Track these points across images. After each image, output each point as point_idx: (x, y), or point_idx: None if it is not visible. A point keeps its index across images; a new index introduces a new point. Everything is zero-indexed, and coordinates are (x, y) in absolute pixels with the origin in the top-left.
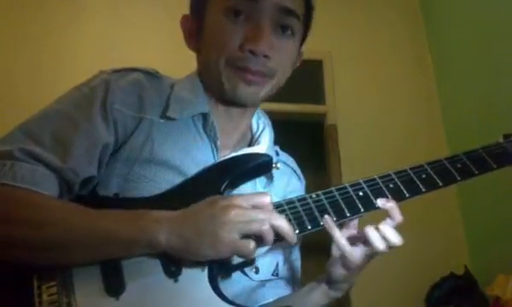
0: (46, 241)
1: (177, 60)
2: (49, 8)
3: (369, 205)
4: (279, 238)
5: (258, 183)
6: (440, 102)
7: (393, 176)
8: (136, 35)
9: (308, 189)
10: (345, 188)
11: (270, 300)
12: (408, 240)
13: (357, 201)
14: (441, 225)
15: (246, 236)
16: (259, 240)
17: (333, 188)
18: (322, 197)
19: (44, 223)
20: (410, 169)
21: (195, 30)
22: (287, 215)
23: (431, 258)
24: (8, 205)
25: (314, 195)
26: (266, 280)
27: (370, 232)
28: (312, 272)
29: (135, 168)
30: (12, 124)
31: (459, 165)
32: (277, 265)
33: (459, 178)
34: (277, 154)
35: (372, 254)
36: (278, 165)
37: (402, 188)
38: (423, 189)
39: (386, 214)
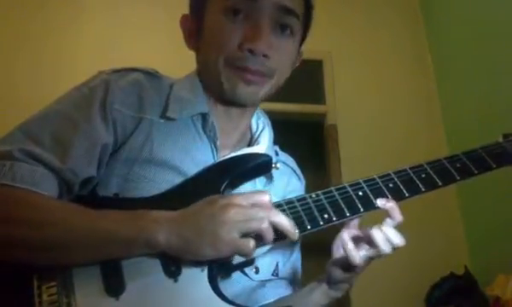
0: (46, 241)
1: (177, 60)
2: (49, 8)
3: (369, 205)
4: (280, 236)
5: (258, 183)
6: (440, 102)
7: (393, 175)
8: (136, 35)
9: (308, 189)
10: (344, 187)
11: (271, 300)
12: (408, 240)
13: (356, 201)
14: (441, 225)
15: (245, 235)
16: (259, 238)
17: (332, 188)
18: (322, 197)
19: (44, 223)
20: (410, 168)
21: (195, 29)
22: (286, 215)
23: (431, 258)
24: (7, 206)
25: (314, 195)
26: (266, 281)
27: (376, 234)
28: (313, 272)
29: (134, 168)
30: (12, 124)
31: (459, 165)
32: (277, 265)
33: (459, 178)
34: (277, 154)
35: (376, 256)
36: (278, 164)
37: (401, 187)
38: (423, 189)
39: (386, 214)
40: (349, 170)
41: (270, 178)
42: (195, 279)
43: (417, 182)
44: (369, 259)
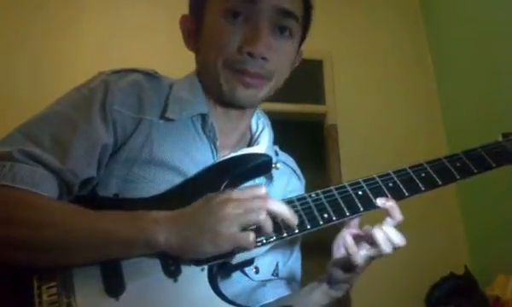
0: (46, 242)
1: (176, 61)
2: (49, 8)
3: (369, 205)
4: (279, 228)
5: (258, 183)
6: (440, 102)
7: (393, 175)
8: (136, 35)
9: (308, 189)
10: (344, 187)
11: (271, 300)
12: (408, 239)
13: (356, 200)
14: (441, 225)
15: (245, 229)
16: (259, 230)
17: (332, 188)
18: (322, 196)
19: (44, 224)
20: (410, 168)
21: (194, 30)
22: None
23: (431, 258)
24: (7, 207)
25: (313, 195)
26: (266, 280)
27: (377, 233)
28: (313, 272)
29: (134, 169)
30: (12, 124)
31: (458, 164)
32: (277, 265)
33: (458, 177)
34: (277, 154)
35: (377, 256)
36: (278, 165)
37: (401, 187)
38: (423, 188)
39: (385, 213)
40: (349, 170)
41: (269, 178)
42: (195, 279)
43: (417, 181)
44: (370, 259)
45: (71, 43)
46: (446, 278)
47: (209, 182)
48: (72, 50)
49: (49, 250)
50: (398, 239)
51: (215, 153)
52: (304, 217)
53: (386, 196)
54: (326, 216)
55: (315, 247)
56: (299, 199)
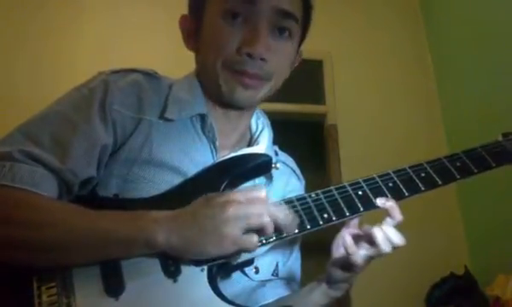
0: (46, 242)
1: (176, 61)
2: (49, 8)
3: (369, 205)
4: (279, 233)
5: (258, 183)
6: (440, 102)
7: (393, 175)
8: (136, 35)
9: (308, 189)
10: (344, 187)
11: (270, 300)
12: (408, 239)
13: (356, 200)
14: (441, 225)
15: (247, 231)
16: (260, 233)
17: (332, 188)
18: (322, 196)
19: (44, 223)
20: (410, 168)
21: (194, 30)
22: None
23: (431, 258)
24: (7, 206)
25: (313, 195)
26: (266, 281)
27: (377, 233)
28: (313, 272)
29: (134, 169)
30: (12, 124)
31: (458, 164)
32: (277, 265)
33: (458, 177)
34: (276, 154)
35: (376, 255)
36: (277, 165)
37: (401, 187)
38: (422, 188)
39: (385, 213)
40: (349, 170)
41: (269, 178)
42: (195, 279)
43: (417, 181)
44: (369, 258)
45: (71, 43)
46: (446, 278)
47: (209, 182)
48: (72, 50)
49: (49, 250)
50: (398, 238)
51: (214, 154)
52: (304, 217)
53: (386, 196)
54: (326, 216)
55: (315, 247)
56: (298, 199)
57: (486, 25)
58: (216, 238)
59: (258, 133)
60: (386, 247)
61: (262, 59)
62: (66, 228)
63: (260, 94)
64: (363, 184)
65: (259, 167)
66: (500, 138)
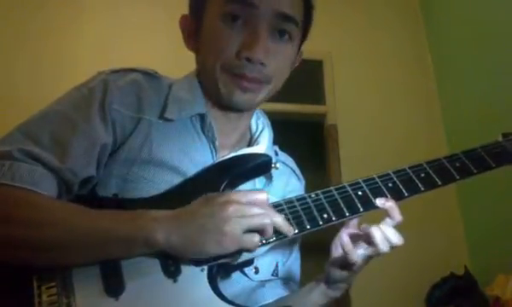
0: (46, 242)
1: (176, 61)
2: (49, 8)
3: (369, 205)
4: (278, 234)
5: (258, 183)
6: (440, 102)
7: (392, 175)
8: (136, 35)
9: (308, 189)
10: (344, 187)
11: (270, 300)
12: (408, 240)
13: (356, 201)
14: (441, 225)
15: (247, 231)
16: (260, 234)
17: (332, 188)
18: (322, 196)
19: (44, 223)
20: (409, 168)
21: (194, 30)
22: (286, 214)
23: (431, 258)
24: (7, 206)
25: (313, 195)
26: (266, 281)
27: (375, 232)
28: (312, 272)
29: (133, 169)
30: (12, 124)
31: (458, 164)
32: (277, 265)
33: (458, 177)
34: (276, 154)
35: (374, 255)
36: (277, 165)
37: (401, 187)
38: (422, 188)
39: (385, 214)
40: (349, 170)
41: (269, 178)
42: (195, 279)
43: (417, 181)
44: (368, 258)
45: (71, 43)
46: (446, 278)
47: (209, 182)
48: (73, 50)
49: (49, 249)
50: (396, 238)
51: (214, 153)
52: (303, 217)
53: (386, 196)
54: (325, 216)
55: (314, 248)
56: (298, 200)
57: (486, 25)
58: (216, 236)
59: (258, 133)
60: (384, 247)
61: (261, 63)
62: (66, 228)
63: (259, 97)
64: (363, 184)
65: (259, 167)
66: (500, 138)
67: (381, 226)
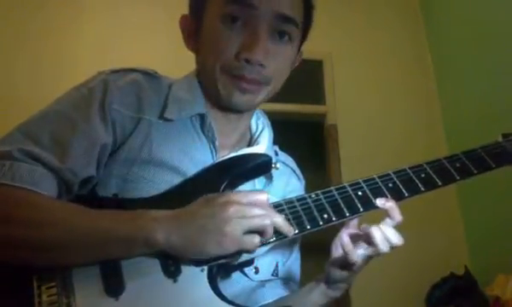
0: (46, 241)
1: (176, 61)
2: (49, 8)
3: (369, 205)
4: (278, 235)
5: (258, 183)
6: (440, 102)
7: (392, 175)
8: (136, 35)
9: (308, 189)
10: (344, 187)
11: (270, 300)
12: (408, 240)
13: (356, 201)
14: (441, 225)
15: (247, 232)
16: (260, 235)
17: (332, 188)
18: (322, 197)
19: (44, 222)
20: (410, 168)
21: (194, 30)
22: (286, 215)
23: (431, 258)
24: (7, 206)
25: (313, 195)
26: (266, 281)
27: (375, 232)
28: (312, 272)
29: (134, 169)
30: (12, 124)
31: (458, 165)
32: (277, 265)
33: (458, 178)
34: (276, 154)
35: (374, 255)
36: (277, 165)
37: (401, 187)
38: (422, 189)
39: (385, 214)
40: (349, 170)
41: (269, 178)
42: (195, 279)
43: (417, 181)
44: (368, 258)
45: (71, 43)
46: (446, 278)
47: (209, 182)
48: (73, 50)
49: (49, 249)
50: (396, 238)
51: (214, 153)
52: (304, 217)
53: (386, 197)
54: (326, 216)
55: (314, 247)
56: (298, 200)
57: (486, 25)
58: (216, 237)
59: (258, 133)
60: (384, 247)
61: (260, 64)
62: (66, 228)
63: (259, 98)
64: (363, 185)
65: (259, 167)
66: (500, 139)
67: (381, 226)
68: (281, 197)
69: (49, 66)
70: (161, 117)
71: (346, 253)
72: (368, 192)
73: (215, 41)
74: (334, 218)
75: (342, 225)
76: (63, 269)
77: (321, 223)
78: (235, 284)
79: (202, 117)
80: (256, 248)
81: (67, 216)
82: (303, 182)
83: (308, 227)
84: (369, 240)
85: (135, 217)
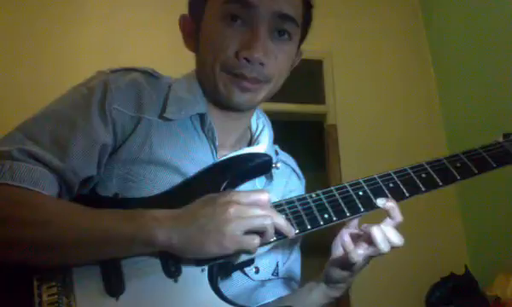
0: (46, 241)
1: (176, 61)
2: (51, 9)
3: (369, 205)
4: (278, 235)
5: (258, 183)
6: (440, 102)
7: (393, 175)
8: (137, 36)
9: (308, 189)
10: (344, 187)
11: (270, 300)
12: (408, 239)
13: (356, 201)
14: (441, 225)
15: (247, 232)
16: (260, 235)
17: (332, 188)
18: (322, 196)
19: (44, 222)
20: (410, 168)
21: (193, 30)
22: (286, 215)
23: (431, 258)
24: (7, 205)
25: (314, 195)
26: (266, 280)
27: (375, 232)
28: (313, 272)
29: (134, 168)
30: (13, 124)
31: (459, 165)
32: (277, 265)
33: (459, 178)
34: (277, 154)
35: (374, 255)
36: (278, 164)
37: (402, 187)
38: (423, 189)
39: (386, 214)
40: (349, 170)
41: (270, 178)
42: (196, 279)
43: (417, 181)
44: (368, 258)
45: (72, 44)
46: (446, 278)
47: (209, 182)
48: (74, 51)
49: (50, 248)
50: (397, 238)
51: (215, 153)
52: (304, 217)
53: (387, 196)
54: (326, 216)
55: (315, 248)
56: (299, 200)
57: (487, 26)
58: (216, 237)
59: (258, 133)
60: (384, 247)
61: (260, 63)
62: (67, 227)
63: (259, 96)
64: (364, 184)
65: (260, 167)
66: (501, 139)
67: (381, 226)
68: (281, 196)
69: (51, 67)
70: (161, 116)
71: (346, 253)
72: (368, 192)
73: (215, 40)
74: (334, 218)
75: (343, 225)
76: (63, 268)
77: (321, 222)
78: (236, 284)
79: (202, 116)
80: (256, 249)
81: (68, 215)
82: (303, 181)
83: (309, 227)
84: (369, 239)
85: (135, 217)
